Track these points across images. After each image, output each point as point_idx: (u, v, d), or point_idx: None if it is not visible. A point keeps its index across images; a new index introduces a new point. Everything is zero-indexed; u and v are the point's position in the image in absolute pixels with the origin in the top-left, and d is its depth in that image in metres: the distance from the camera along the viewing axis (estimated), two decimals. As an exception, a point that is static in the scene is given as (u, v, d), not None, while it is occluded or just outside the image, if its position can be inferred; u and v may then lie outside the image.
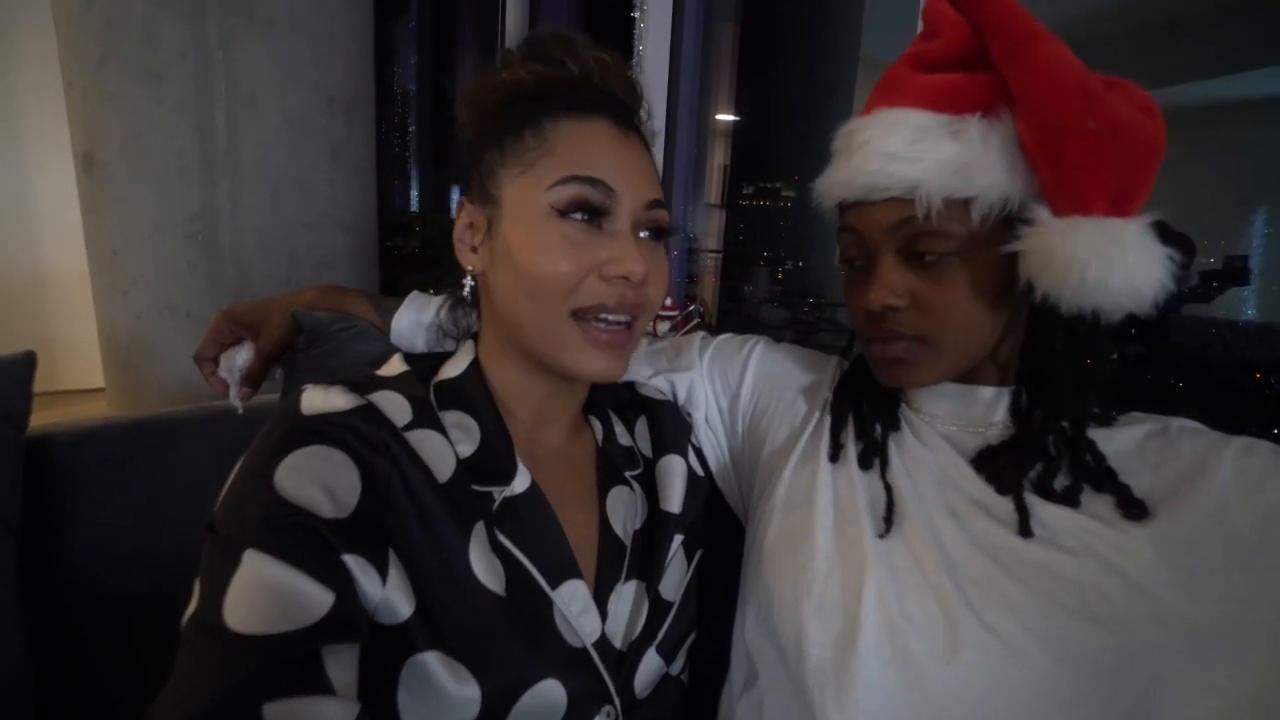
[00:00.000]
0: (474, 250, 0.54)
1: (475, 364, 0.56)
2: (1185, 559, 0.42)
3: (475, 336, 0.59)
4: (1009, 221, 0.48)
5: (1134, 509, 0.45)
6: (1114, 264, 0.44)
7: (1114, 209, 0.45)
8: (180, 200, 1.48)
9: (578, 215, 0.48)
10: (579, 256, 0.48)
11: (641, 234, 0.51)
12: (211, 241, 1.50)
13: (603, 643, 0.51)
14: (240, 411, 0.78)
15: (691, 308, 1.36)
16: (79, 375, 3.15)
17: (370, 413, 0.47)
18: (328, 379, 0.49)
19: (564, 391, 0.58)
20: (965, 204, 0.47)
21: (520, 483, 0.51)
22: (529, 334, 0.51)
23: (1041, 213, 0.47)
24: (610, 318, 0.50)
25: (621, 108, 0.53)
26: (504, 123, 0.52)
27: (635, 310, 0.51)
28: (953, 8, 0.50)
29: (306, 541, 0.40)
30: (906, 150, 0.48)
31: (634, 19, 2.01)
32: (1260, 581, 0.40)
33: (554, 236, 0.48)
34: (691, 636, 0.60)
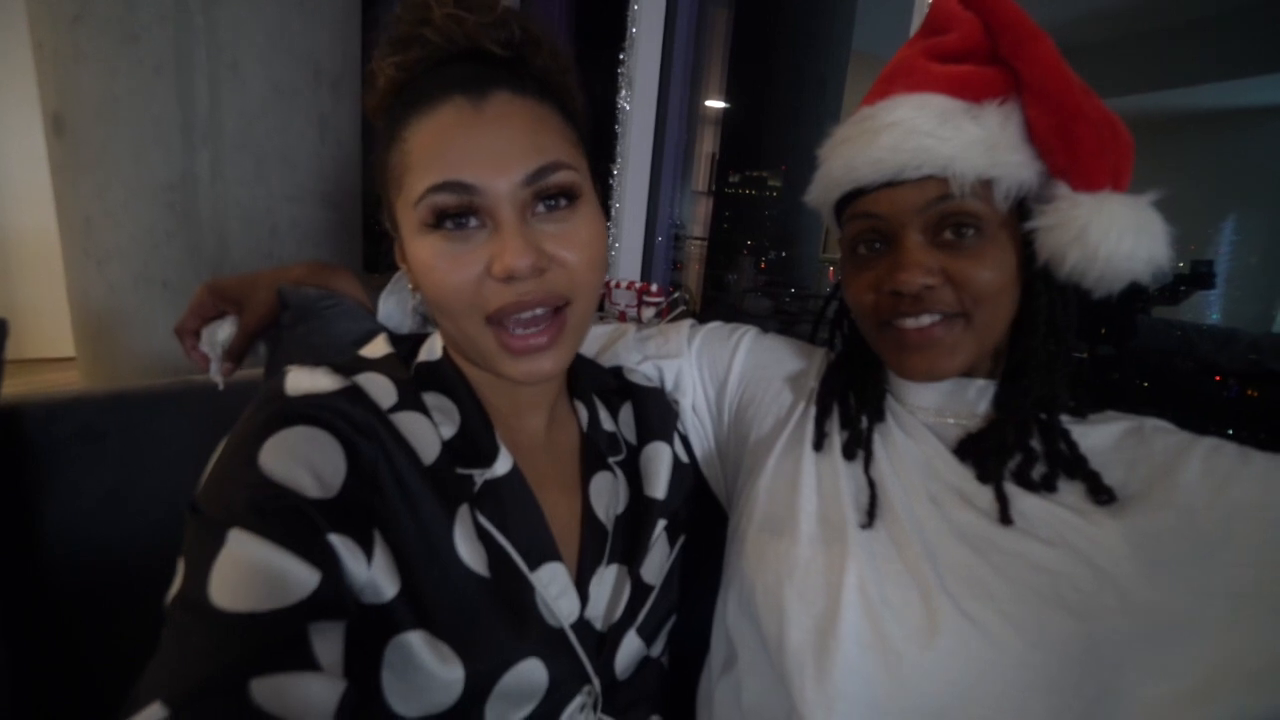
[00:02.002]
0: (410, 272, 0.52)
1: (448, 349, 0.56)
2: (1153, 553, 0.44)
3: None
4: (1021, 204, 0.51)
5: (1102, 494, 0.47)
6: (1143, 234, 0.47)
7: (1115, 191, 0.49)
8: (159, 168, 1.43)
9: (448, 224, 0.45)
10: (462, 266, 0.45)
11: (538, 209, 0.46)
12: (190, 211, 1.46)
13: (582, 624, 0.52)
14: (221, 387, 0.77)
15: (676, 294, 1.37)
16: (46, 343, 3.06)
17: (356, 394, 0.47)
18: (313, 358, 0.49)
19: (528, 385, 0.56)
20: (988, 184, 0.49)
21: (502, 465, 0.52)
22: (460, 346, 0.51)
23: (1062, 189, 0.49)
24: (526, 316, 0.46)
25: (473, 72, 0.45)
26: (378, 146, 0.49)
27: (551, 300, 0.47)
28: (962, 6, 0.51)
29: (292, 521, 0.40)
30: (937, 130, 0.49)
31: (627, 1, 1.98)
32: (1220, 575, 0.43)
33: (432, 252, 0.45)
34: (672, 619, 0.61)
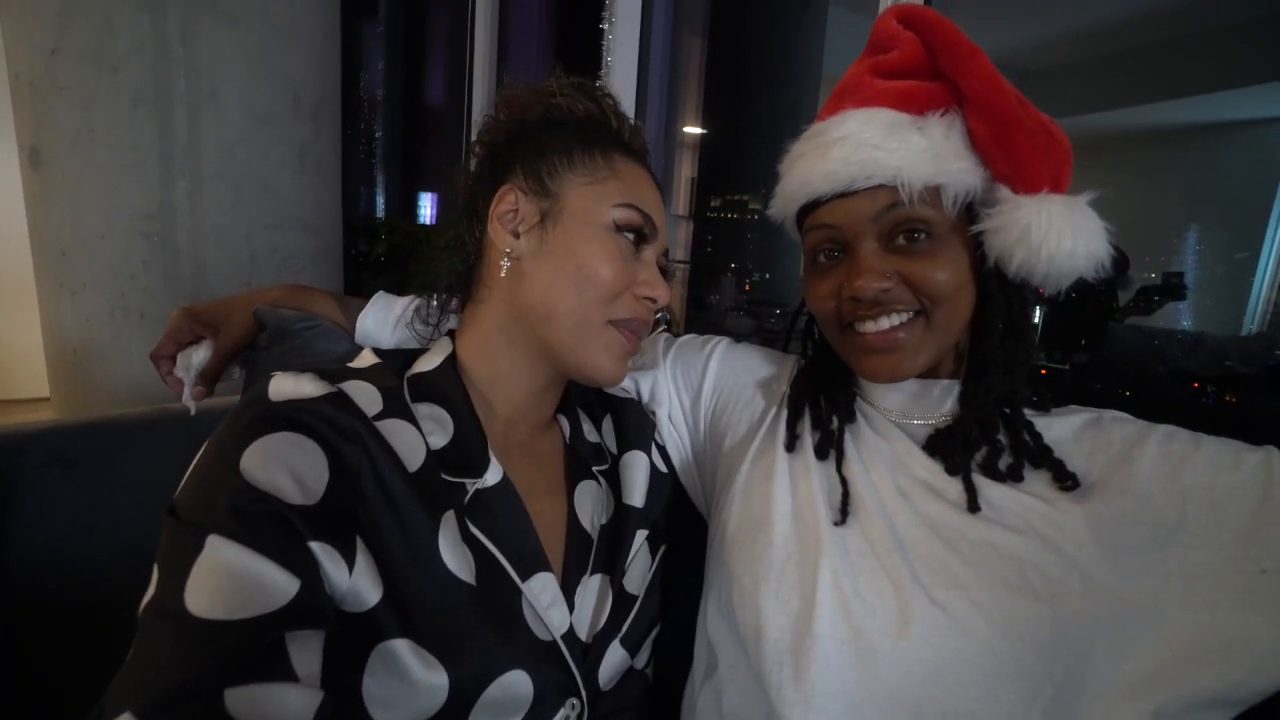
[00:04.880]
0: (515, 235, 0.56)
1: (451, 359, 0.57)
2: (1114, 537, 0.45)
3: (450, 335, 0.60)
4: (970, 208, 0.53)
5: (1067, 480, 0.48)
6: (1080, 233, 0.50)
7: (1054, 193, 0.51)
8: (136, 197, 1.42)
9: (629, 235, 0.55)
10: (625, 270, 0.55)
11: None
12: (168, 241, 1.46)
13: (569, 635, 0.51)
14: (193, 412, 0.76)
15: (660, 315, 1.38)
16: (21, 383, 3.00)
17: (340, 400, 0.47)
18: (296, 369, 0.49)
19: (551, 390, 0.60)
20: (936, 191, 0.51)
21: (492, 475, 0.52)
22: (560, 324, 0.54)
23: (1004, 193, 0.51)
24: (630, 331, 0.57)
25: (649, 165, 0.62)
26: (575, 137, 0.57)
27: (646, 329, 0.59)
28: (902, 26, 0.54)
29: (273, 528, 0.40)
30: (884, 142, 0.51)
31: (602, 30, 2.03)
32: (1176, 557, 0.44)
33: (612, 246, 0.54)
34: (656, 630, 0.61)
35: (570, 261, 0.53)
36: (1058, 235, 0.49)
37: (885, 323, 0.52)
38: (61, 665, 0.71)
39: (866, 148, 0.51)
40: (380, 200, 3.09)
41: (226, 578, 0.37)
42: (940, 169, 0.50)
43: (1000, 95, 0.50)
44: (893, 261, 0.52)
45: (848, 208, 0.53)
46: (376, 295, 0.82)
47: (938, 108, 0.52)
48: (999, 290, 0.53)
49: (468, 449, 0.52)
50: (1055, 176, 0.51)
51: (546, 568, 0.52)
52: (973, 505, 0.49)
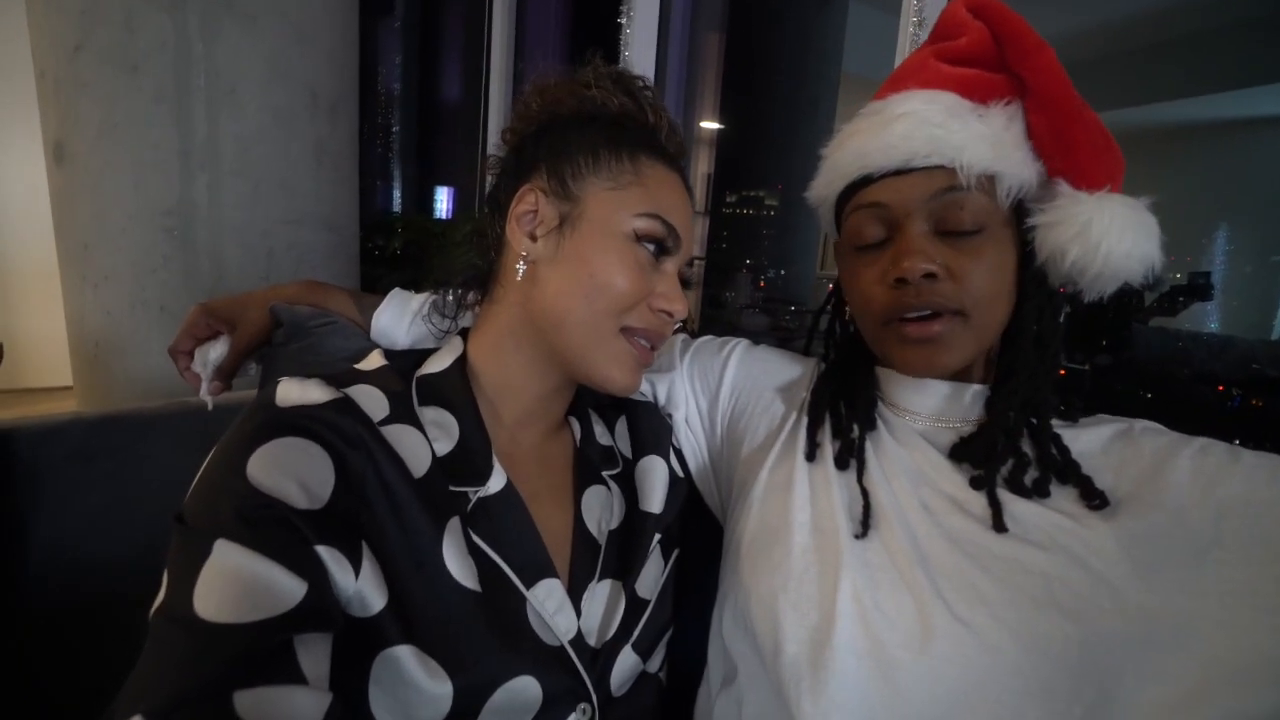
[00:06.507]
0: (532, 238, 0.55)
1: (460, 360, 0.56)
2: (1146, 554, 0.44)
3: (463, 333, 0.59)
4: (1021, 204, 0.52)
5: (1095, 499, 0.47)
6: (1139, 234, 0.49)
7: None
8: (156, 193, 1.45)
9: (649, 246, 0.54)
10: (642, 281, 0.53)
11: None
12: (187, 236, 1.48)
13: (578, 640, 0.51)
14: (210, 407, 0.77)
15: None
16: (44, 373, 3.06)
17: (346, 406, 0.47)
18: (305, 372, 0.49)
19: (561, 393, 0.59)
20: (992, 180, 0.50)
21: (495, 483, 0.52)
22: (571, 333, 0.53)
23: (1063, 187, 0.50)
24: (643, 342, 0.55)
25: (681, 167, 0.60)
26: (604, 136, 0.55)
27: (661, 341, 0.57)
28: (971, 15, 0.53)
29: (279, 532, 0.40)
30: (947, 123, 0.50)
31: (620, 25, 2.02)
32: (1211, 574, 0.42)
33: (629, 257, 0.53)
34: (669, 634, 0.60)
35: (584, 270, 0.52)
36: (1119, 233, 0.48)
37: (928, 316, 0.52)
38: (74, 662, 0.72)
39: (929, 125, 0.50)
40: (396, 195, 3.11)
41: (234, 582, 0.37)
42: (1000, 156, 0.50)
43: (1065, 91, 0.49)
44: (941, 250, 0.51)
45: (901, 185, 0.52)
46: (392, 292, 0.82)
47: (1000, 98, 0.51)
48: (1036, 293, 0.52)
49: (471, 456, 0.51)
50: (1113, 178, 0.50)
51: (552, 574, 0.51)
52: (998, 524, 0.48)
